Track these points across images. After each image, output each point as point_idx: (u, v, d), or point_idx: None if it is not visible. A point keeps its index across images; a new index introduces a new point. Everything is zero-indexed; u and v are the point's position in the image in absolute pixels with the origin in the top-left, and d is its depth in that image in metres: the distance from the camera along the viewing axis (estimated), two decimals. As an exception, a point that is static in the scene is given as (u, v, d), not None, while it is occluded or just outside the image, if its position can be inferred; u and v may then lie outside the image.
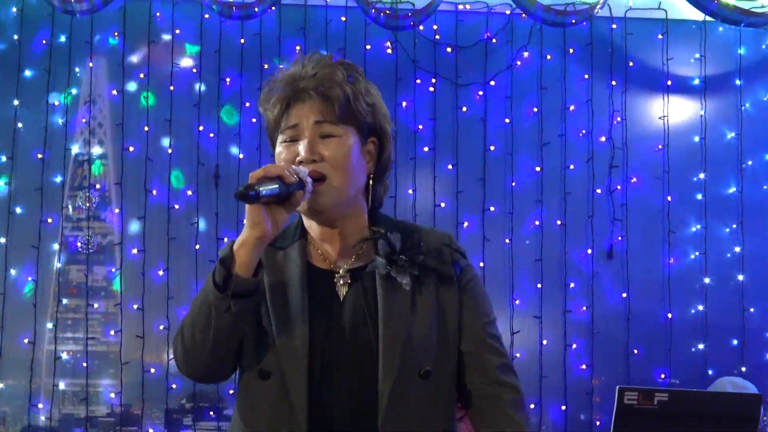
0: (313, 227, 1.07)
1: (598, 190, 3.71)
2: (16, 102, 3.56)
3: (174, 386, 3.50)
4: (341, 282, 1.04)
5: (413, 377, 0.99)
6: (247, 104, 3.59)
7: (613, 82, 3.74)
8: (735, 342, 3.64)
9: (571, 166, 3.70)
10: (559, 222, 3.68)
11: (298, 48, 3.56)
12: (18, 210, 3.53)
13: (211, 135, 3.63)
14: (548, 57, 3.74)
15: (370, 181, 1.08)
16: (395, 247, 1.02)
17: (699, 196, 3.72)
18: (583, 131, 3.74)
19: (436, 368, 1.01)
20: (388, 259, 1.02)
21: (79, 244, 3.63)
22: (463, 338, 1.06)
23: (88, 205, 3.64)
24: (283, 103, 1.03)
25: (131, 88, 3.64)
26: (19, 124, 3.57)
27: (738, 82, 3.77)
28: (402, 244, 1.03)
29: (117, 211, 3.58)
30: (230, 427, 1.11)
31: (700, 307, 3.65)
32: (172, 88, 3.62)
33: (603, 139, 3.72)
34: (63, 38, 3.59)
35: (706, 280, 3.66)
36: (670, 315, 3.63)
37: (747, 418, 1.49)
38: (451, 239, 1.12)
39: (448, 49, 3.69)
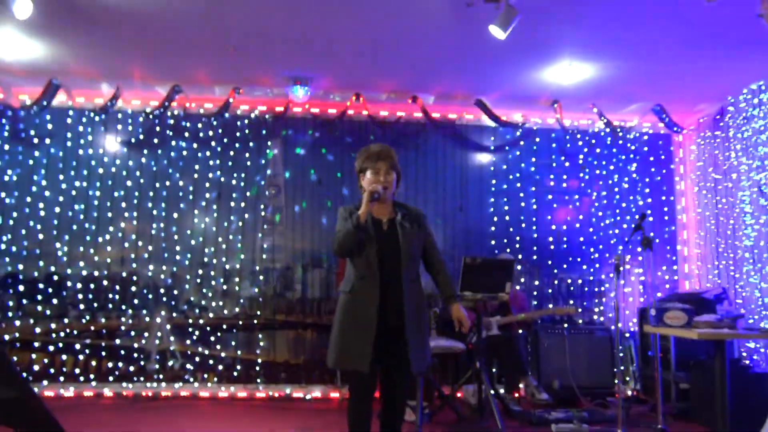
0: (376, 205, 3.20)
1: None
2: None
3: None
4: (384, 225, 3.25)
5: (410, 259, 3.21)
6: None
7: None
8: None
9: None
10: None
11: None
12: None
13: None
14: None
15: (395, 190, 3.31)
16: (403, 213, 3.28)
17: None
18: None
19: (417, 257, 3.28)
20: (401, 217, 3.25)
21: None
22: (426, 247, 3.34)
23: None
24: (374, 157, 3.25)
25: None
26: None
27: None
28: (405, 212, 3.29)
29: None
30: (344, 281, 3.27)
31: None
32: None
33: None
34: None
35: None
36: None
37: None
38: (419, 210, 3.38)
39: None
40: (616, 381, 5.39)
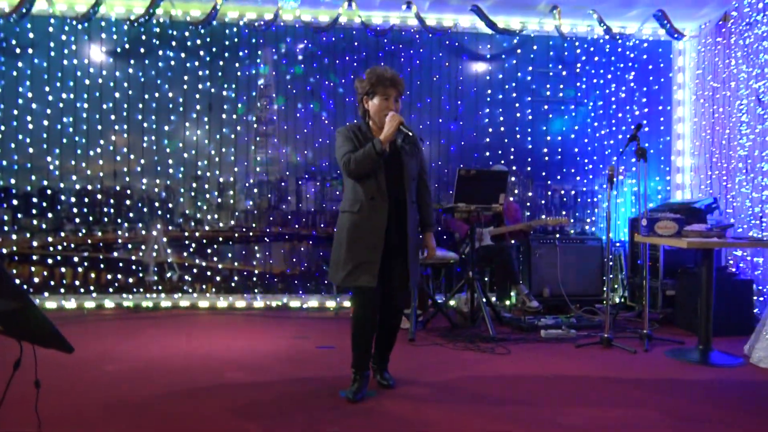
0: (382, 130, 3.25)
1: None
2: None
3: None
4: (387, 148, 3.22)
5: (412, 181, 3.33)
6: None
7: None
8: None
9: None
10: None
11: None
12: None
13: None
14: None
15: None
16: (403, 136, 3.31)
17: None
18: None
19: (416, 179, 3.38)
20: (402, 140, 3.31)
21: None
22: (419, 171, 3.42)
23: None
24: (387, 82, 3.26)
25: None
26: None
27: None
28: (405, 135, 3.31)
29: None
30: (342, 202, 3.34)
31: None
32: None
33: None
34: None
35: None
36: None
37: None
38: (416, 135, 3.36)
39: None
40: (604, 289, 5.54)
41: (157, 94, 6.16)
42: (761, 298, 5.16)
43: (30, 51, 6.00)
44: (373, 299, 3.25)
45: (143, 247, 6.17)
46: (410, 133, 3.27)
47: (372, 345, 3.37)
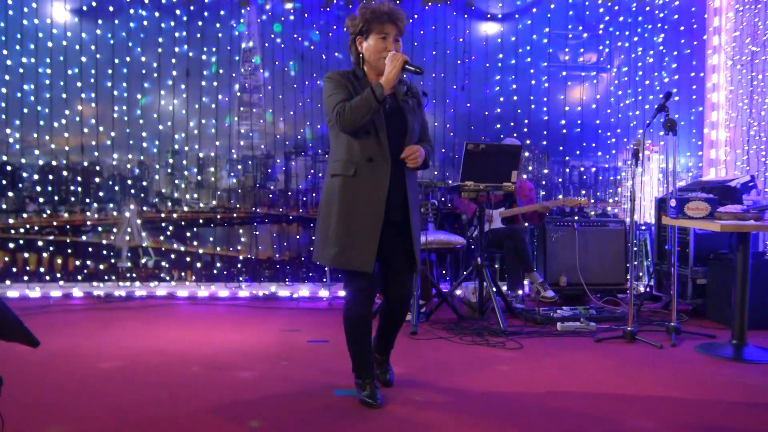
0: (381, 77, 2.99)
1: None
2: None
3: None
4: (390, 94, 3.04)
5: (413, 133, 3.12)
6: None
7: None
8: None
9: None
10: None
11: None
12: None
13: None
14: None
15: None
16: (407, 90, 3.16)
17: None
18: None
19: (416, 129, 3.15)
20: (404, 92, 3.13)
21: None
22: (422, 128, 3.24)
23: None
24: (382, 18, 2.99)
25: None
26: None
27: None
28: (405, 86, 3.16)
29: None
30: (331, 164, 3.10)
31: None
32: None
33: None
34: None
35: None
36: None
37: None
38: (417, 88, 3.24)
39: None
40: (628, 277, 5.54)
41: (128, 59, 6.11)
42: (802, 288, 5.17)
43: (-15, 9, 5.94)
44: (370, 288, 3.06)
45: (115, 230, 6.16)
46: (418, 70, 2.94)
47: (370, 345, 3.21)
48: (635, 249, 6.22)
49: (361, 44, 3.07)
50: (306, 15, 6.26)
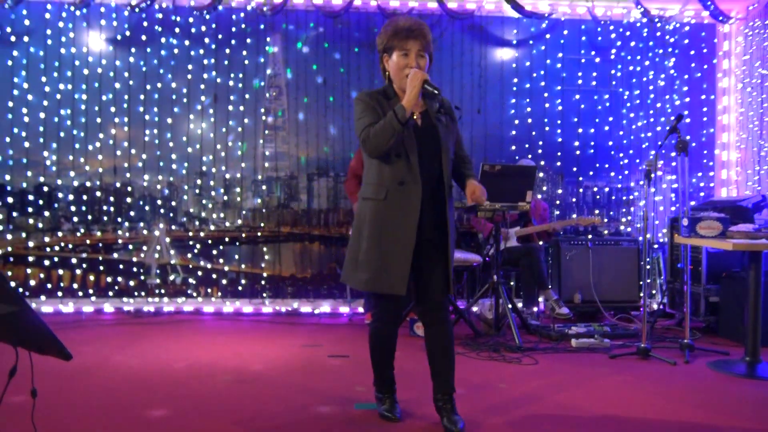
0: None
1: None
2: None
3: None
4: (417, 119, 2.93)
5: (447, 151, 2.93)
6: None
7: None
8: None
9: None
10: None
11: None
12: None
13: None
14: None
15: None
16: (440, 105, 2.98)
17: None
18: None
19: (450, 146, 2.97)
20: (437, 108, 2.96)
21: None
22: (456, 144, 3.07)
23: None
24: (403, 34, 2.86)
25: None
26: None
27: None
28: (437, 102, 2.96)
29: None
30: (363, 187, 2.99)
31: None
32: None
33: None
34: None
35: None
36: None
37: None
38: (450, 103, 3.05)
39: None
40: (641, 294, 5.49)
41: (159, 85, 6.22)
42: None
43: (26, 39, 6.08)
44: (397, 310, 3.00)
45: (145, 247, 6.23)
46: (435, 92, 2.80)
47: (393, 362, 3.14)
48: (648, 267, 6.16)
49: (387, 62, 2.95)
50: (327, 44, 6.33)
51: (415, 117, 2.90)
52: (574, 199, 6.57)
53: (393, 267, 2.83)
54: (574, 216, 6.39)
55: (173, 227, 6.28)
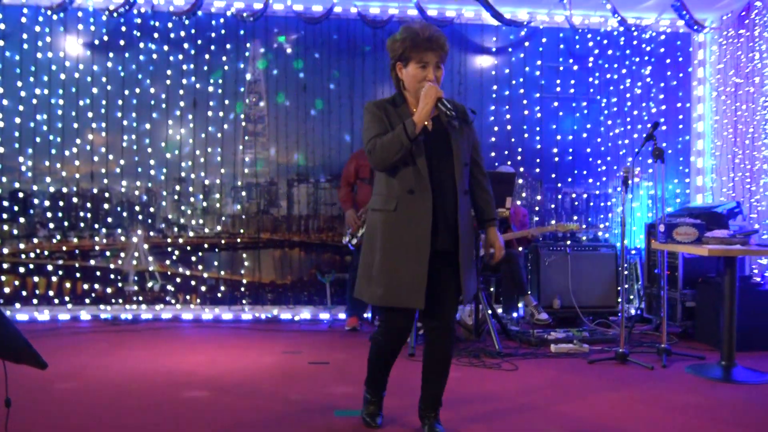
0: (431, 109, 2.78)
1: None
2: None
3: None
4: (429, 126, 2.81)
5: (463, 166, 2.83)
6: None
7: None
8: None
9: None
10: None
11: None
12: None
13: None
14: None
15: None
16: (449, 109, 2.75)
17: None
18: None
19: (468, 163, 2.89)
20: (448, 114, 2.74)
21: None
22: (473, 149, 2.96)
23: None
24: (423, 45, 2.74)
25: None
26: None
27: None
28: (451, 107, 2.75)
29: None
30: (373, 197, 2.90)
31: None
32: None
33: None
34: None
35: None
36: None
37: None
38: (465, 107, 2.95)
39: None
40: (619, 300, 5.53)
41: (137, 90, 6.15)
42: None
43: (1, 43, 5.98)
44: (408, 322, 2.88)
45: (122, 254, 6.14)
46: (448, 113, 2.72)
47: (390, 369, 3.05)
48: (626, 273, 6.20)
49: (401, 70, 2.84)
50: (306, 48, 6.31)
51: (426, 124, 2.78)
52: (552, 206, 6.60)
53: (408, 280, 2.72)
54: (553, 222, 6.42)
55: (151, 233, 6.21)
